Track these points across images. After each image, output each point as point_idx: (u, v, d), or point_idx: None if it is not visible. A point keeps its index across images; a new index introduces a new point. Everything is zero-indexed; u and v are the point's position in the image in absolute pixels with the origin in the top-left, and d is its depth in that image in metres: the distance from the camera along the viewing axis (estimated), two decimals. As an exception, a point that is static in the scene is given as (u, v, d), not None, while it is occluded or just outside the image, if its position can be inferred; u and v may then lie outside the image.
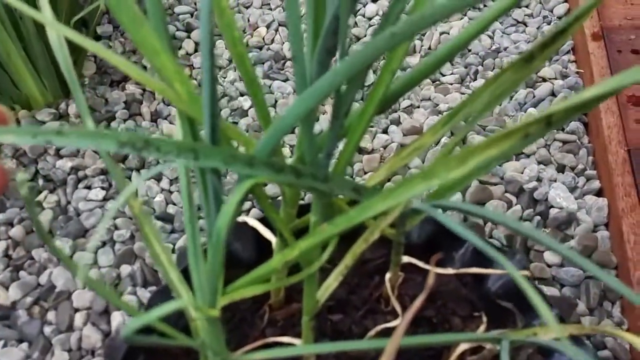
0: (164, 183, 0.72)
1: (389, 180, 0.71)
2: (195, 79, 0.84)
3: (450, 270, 0.39)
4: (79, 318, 0.60)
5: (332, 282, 0.34)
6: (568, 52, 0.87)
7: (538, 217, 0.69)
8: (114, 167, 0.33)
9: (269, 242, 0.39)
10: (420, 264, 0.39)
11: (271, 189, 0.69)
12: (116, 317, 0.60)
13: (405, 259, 0.39)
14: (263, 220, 0.41)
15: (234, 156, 0.25)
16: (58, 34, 0.30)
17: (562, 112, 0.22)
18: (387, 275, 0.39)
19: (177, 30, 0.88)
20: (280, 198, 0.38)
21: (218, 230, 0.25)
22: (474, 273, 0.41)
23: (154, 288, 0.63)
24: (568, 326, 0.29)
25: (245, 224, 0.40)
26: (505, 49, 0.87)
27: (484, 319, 0.41)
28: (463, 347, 0.34)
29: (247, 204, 0.69)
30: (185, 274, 0.34)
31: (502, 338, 0.31)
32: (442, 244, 0.43)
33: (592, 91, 0.21)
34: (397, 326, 0.24)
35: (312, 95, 0.24)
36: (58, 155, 0.74)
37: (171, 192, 0.71)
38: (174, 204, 0.70)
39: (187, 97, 0.29)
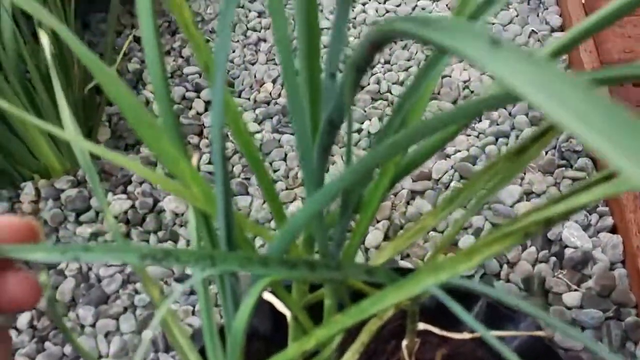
0: (181, 244, 0.74)
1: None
2: (207, 137, 0.86)
3: (466, 335, 0.39)
4: (104, 387, 0.61)
5: (350, 359, 0.34)
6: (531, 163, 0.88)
7: (554, 258, 0.69)
8: (147, 279, 0.35)
9: (284, 315, 0.40)
10: (436, 330, 0.39)
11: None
12: (140, 384, 0.61)
13: (421, 326, 0.39)
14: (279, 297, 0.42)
15: (249, 259, 0.26)
16: (82, 148, 0.32)
17: (561, 214, 0.23)
18: (404, 343, 0.40)
19: (187, 90, 0.91)
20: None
21: (236, 331, 0.26)
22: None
23: (175, 353, 0.63)
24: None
25: (260, 298, 0.41)
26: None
27: (503, 381, 0.41)
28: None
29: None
30: (204, 352, 0.35)
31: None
32: (455, 303, 0.43)
33: (587, 197, 0.22)
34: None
35: (320, 199, 0.25)
36: (78, 222, 0.76)
37: (188, 253, 0.72)
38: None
39: (203, 198, 0.31)
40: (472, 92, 0.90)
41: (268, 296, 0.42)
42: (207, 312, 0.32)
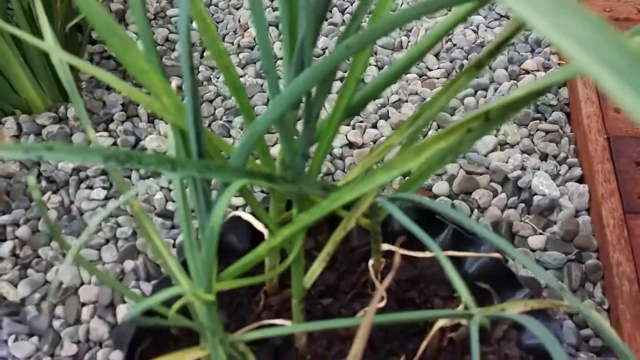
0: (163, 181, 0.75)
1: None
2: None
3: (427, 254, 0.42)
4: (86, 312, 0.63)
5: (317, 268, 0.37)
6: (550, 44, 0.90)
7: (522, 205, 0.72)
8: (114, 170, 0.36)
9: (261, 234, 0.42)
10: (401, 250, 0.42)
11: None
12: (122, 310, 0.63)
13: (386, 246, 0.42)
14: (256, 214, 0.44)
15: (207, 166, 0.27)
16: (61, 59, 0.33)
17: (499, 109, 0.25)
18: (370, 262, 0.42)
19: (170, 32, 0.91)
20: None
21: (212, 228, 0.28)
22: (452, 258, 0.44)
23: (156, 282, 0.66)
24: (530, 301, 0.33)
25: (239, 218, 0.43)
26: (489, 42, 0.90)
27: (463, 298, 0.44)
28: (441, 323, 0.37)
29: (242, 201, 0.72)
30: (184, 266, 0.37)
31: (473, 313, 0.34)
32: (423, 231, 0.46)
33: (522, 91, 0.24)
34: (371, 303, 0.27)
35: (280, 103, 0.27)
36: (60, 157, 0.77)
37: (170, 190, 0.74)
38: (174, 201, 0.73)
39: (174, 109, 0.32)
40: (454, 45, 0.91)
41: (247, 216, 0.44)
42: (185, 217, 0.34)
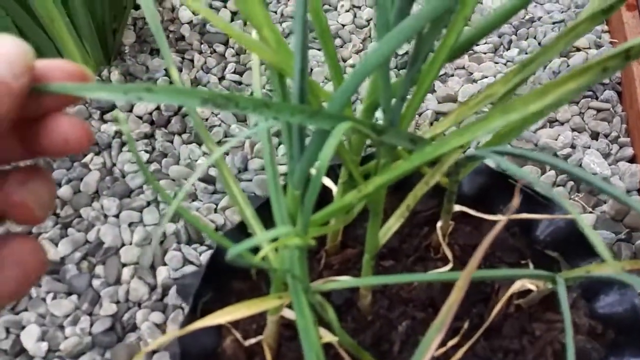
0: (204, 147, 0.74)
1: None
2: (232, 47, 0.86)
3: (500, 217, 0.40)
4: (126, 272, 0.63)
5: (394, 223, 0.35)
6: (602, 22, 0.87)
7: (571, 183, 0.70)
8: (197, 118, 0.35)
9: (329, 190, 0.40)
10: (472, 212, 0.40)
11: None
12: (162, 272, 0.63)
13: (457, 207, 0.40)
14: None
15: (302, 109, 0.26)
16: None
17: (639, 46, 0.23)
18: (439, 224, 0.41)
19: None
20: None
21: (320, 169, 0.26)
22: (521, 224, 0.42)
23: (197, 245, 0.65)
24: (620, 262, 0.31)
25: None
26: (539, 18, 0.87)
27: (531, 266, 0.42)
28: (517, 285, 0.35)
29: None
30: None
31: (558, 275, 0.33)
32: (491, 196, 0.44)
33: None
34: (471, 259, 0.26)
35: (394, 38, 0.25)
36: (102, 120, 0.76)
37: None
38: (215, 167, 0.72)
39: (275, 44, 0.30)
40: (501, 20, 0.88)
41: (313, 171, 0.42)
42: (271, 162, 0.33)
